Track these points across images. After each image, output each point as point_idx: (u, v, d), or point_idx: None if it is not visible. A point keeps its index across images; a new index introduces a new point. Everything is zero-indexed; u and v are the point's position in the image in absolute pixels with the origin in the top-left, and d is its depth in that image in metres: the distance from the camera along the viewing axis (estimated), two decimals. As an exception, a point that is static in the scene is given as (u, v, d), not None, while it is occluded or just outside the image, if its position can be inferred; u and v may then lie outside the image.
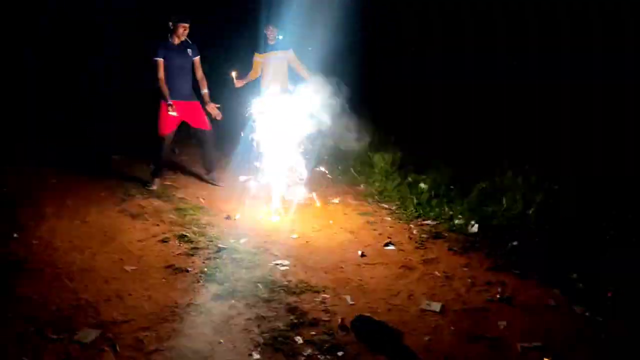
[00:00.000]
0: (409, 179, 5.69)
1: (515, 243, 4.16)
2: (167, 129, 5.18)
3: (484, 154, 5.99)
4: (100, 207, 4.69)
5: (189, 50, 5.15)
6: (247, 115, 5.14)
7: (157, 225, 4.36)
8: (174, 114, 4.98)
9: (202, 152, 5.58)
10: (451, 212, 4.80)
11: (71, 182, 5.38)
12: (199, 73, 5.29)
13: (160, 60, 5.00)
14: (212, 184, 5.59)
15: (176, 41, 5.06)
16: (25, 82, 7.97)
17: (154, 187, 5.25)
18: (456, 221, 4.64)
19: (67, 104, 7.88)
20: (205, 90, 5.31)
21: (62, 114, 7.51)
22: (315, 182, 5.55)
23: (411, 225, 4.61)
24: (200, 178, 5.75)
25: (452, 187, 5.40)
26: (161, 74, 5.01)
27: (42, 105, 7.60)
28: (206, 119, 5.33)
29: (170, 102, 4.95)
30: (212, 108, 5.28)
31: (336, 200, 5.25)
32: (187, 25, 4.99)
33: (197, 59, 5.23)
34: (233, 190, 5.23)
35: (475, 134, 6.53)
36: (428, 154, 6.26)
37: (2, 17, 8.35)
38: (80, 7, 8.93)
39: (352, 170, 6.16)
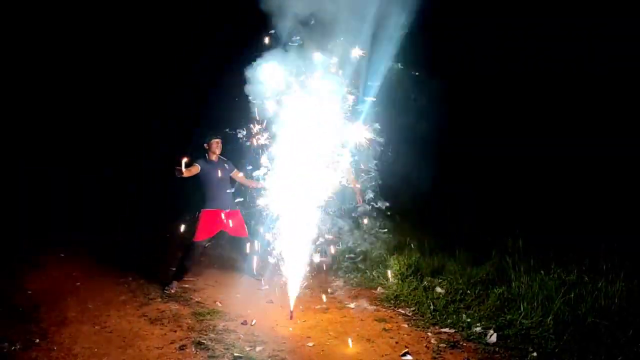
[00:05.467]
0: (425, 282, 5.71)
1: (535, 354, 4.08)
2: (203, 236, 5.46)
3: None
4: (121, 311, 4.79)
5: (226, 165, 5.60)
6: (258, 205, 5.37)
7: (175, 331, 4.40)
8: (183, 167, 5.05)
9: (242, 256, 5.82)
10: (469, 320, 4.75)
11: (94, 283, 5.57)
12: (244, 180, 5.67)
13: (197, 165, 5.34)
14: (255, 278, 5.75)
15: (213, 157, 5.53)
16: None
17: (173, 291, 5.37)
18: (474, 329, 4.58)
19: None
20: (257, 184, 5.54)
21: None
22: (332, 284, 5.60)
23: (428, 334, 4.56)
24: (216, 280, 5.86)
25: (468, 291, 5.39)
26: (187, 170, 5.16)
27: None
28: (244, 226, 5.64)
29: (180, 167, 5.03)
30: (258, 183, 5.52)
31: (352, 305, 5.25)
32: (219, 140, 5.50)
33: (235, 171, 5.67)
34: (250, 293, 5.30)
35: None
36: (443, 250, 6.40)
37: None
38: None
39: (369, 272, 6.21)
